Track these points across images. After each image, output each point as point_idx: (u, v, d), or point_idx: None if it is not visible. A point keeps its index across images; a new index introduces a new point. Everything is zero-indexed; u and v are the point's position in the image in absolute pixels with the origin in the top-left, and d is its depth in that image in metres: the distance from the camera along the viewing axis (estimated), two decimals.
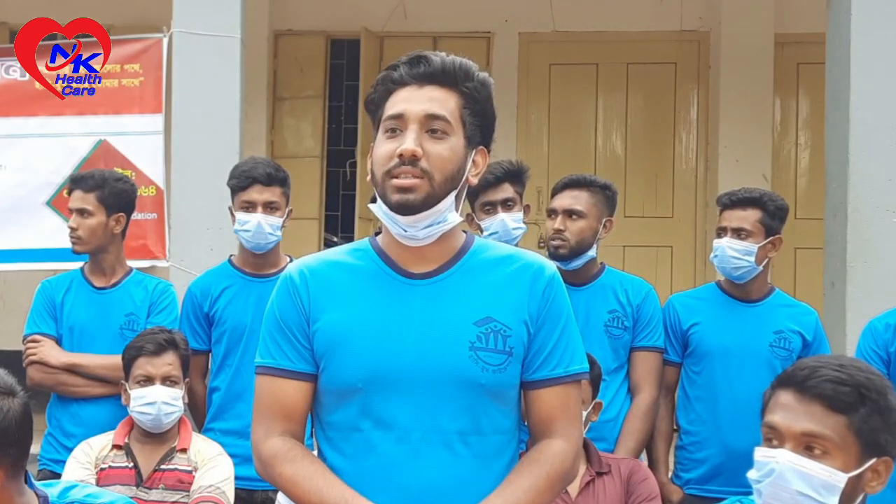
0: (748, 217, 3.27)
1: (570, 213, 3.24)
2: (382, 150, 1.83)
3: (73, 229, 3.44)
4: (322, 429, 1.91)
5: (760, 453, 1.72)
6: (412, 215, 1.80)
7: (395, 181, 1.79)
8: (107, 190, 3.47)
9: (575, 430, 1.93)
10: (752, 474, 1.74)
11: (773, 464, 1.68)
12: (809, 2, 5.49)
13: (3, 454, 1.73)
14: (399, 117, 1.82)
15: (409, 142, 1.79)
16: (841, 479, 1.67)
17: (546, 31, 6.60)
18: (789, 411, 1.70)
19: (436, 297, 1.85)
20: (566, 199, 3.27)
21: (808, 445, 1.68)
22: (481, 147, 1.90)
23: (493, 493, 1.81)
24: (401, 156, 1.78)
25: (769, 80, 6.27)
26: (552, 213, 3.29)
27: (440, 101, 1.83)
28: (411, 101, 1.82)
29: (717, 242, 3.30)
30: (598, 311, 3.26)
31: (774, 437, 1.71)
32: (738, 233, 3.26)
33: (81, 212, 3.44)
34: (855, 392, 1.68)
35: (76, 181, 3.50)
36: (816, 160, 6.15)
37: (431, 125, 1.81)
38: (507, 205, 3.31)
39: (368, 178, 1.90)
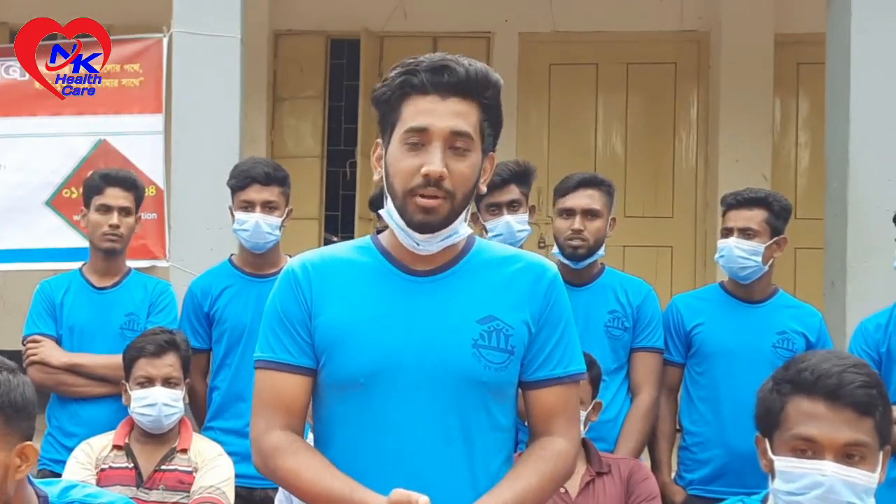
0: (754, 217, 3.26)
1: (587, 213, 3.22)
2: (405, 164, 1.79)
3: (114, 227, 3.42)
4: (321, 423, 1.91)
5: (794, 465, 1.69)
6: (429, 233, 1.80)
7: (420, 201, 1.77)
8: (140, 191, 3.54)
9: (574, 429, 1.95)
10: (780, 486, 1.71)
11: (819, 476, 1.66)
12: (809, 2, 5.49)
13: (27, 427, 1.78)
14: (423, 131, 1.78)
15: (436, 163, 1.76)
16: (875, 479, 1.69)
17: (546, 31, 6.60)
18: (824, 422, 1.67)
19: (439, 295, 1.85)
20: (583, 199, 3.23)
21: (848, 454, 1.67)
22: (491, 154, 1.89)
23: (502, 485, 1.82)
24: (426, 175, 1.76)
25: (769, 80, 6.27)
26: (568, 212, 3.24)
27: (464, 115, 1.79)
28: (435, 115, 1.77)
29: (722, 242, 3.29)
30: (598, 312, 3.25)
31: (811, 448, 1.69)
32: (745, 232, 3.25)
33: (124, 210, 3.44)
34: (877, 392, 1.69)
35: (114, 179, 3.47)
36: (816, 160, 6.14)
37: (455, 142, 1.78)
38: (512, 206, 3.31)
39: (376, 177, 1.87)
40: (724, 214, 3.35)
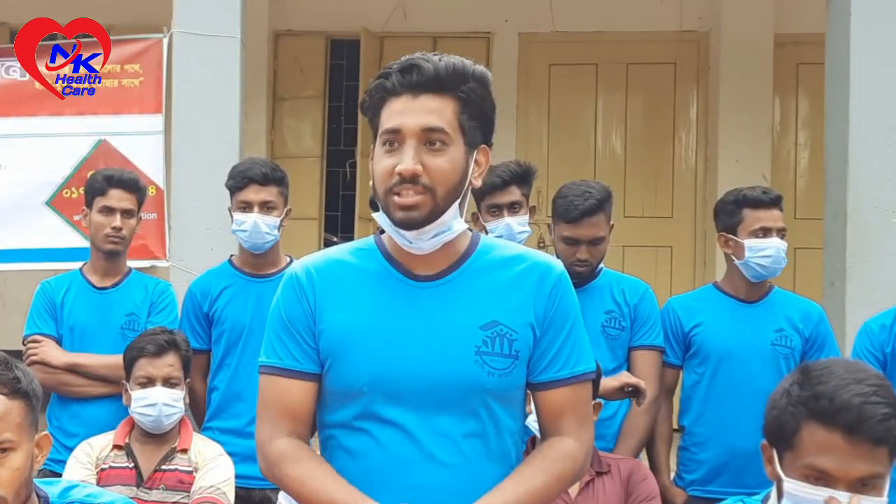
0: (782, 216, 3.27)
1: (593, 241, 3.17)
2: (382, 165, 1.80)
3: (117, 229, 3.42)
4: (325, 429, 1.91)
5: (807, 491, 1.67)
6: (415, 230, 1.79)
7: (398, 199, 1.77)
8: (142, 192, 3.54)
9: (585, 430, 1.92)
10: None
11: None
12: (809, 2, 5.49)
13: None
14: (396, 132, 1.78)
15: (407, 161, 1.76)
16: (885, 502, 1.67)
17: (546, 31, 6.59)
18: (841, 455, 1.64)
19: (442, 300, 1.84)
20: (588, 230, 3.15)
21: (862, 484, 1.65)
22: (482, 146, 1.87)
23: (506, 484, 1.80)
24: (400, 174, 1.76)
25: (769, 81, 6.26)
26: (572, 241, 3.17)
27: (437, 111, 1.78)
28: (407, 113, 1.77)
29: (766, 242, 3.22)
30: (594, 312, 3.23)
31: (824, 478, 1.66)
32: (781, 232, 3.25)
33: (127, 212, 3.44)
34: (895, 422, 1.65)
35: (118, 181, 3.46)
36: (816, 160, 6.14)
37: (429, 138, 1.78)
38: (513, 208, 3.31)
39: (371, 182, 1.88)
40: (749, 212, 3.26)
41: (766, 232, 3.24)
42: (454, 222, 1.84)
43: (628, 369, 3.30)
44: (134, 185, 3.49)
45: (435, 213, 1.79)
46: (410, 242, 1.82)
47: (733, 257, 3.31)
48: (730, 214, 3.31)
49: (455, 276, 1.87)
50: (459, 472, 1.80)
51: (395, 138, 1.79)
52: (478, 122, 1.84)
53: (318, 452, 1.92)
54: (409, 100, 1.79)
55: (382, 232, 1.94)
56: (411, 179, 1.76)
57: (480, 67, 1.84)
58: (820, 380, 1.69)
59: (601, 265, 3.33)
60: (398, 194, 1.77)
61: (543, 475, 1.83)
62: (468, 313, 1.84)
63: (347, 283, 1.88)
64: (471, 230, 1.94)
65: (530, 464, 1.86)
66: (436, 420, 1.81)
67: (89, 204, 3.48)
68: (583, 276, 3.19)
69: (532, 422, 2.05)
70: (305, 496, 1.81)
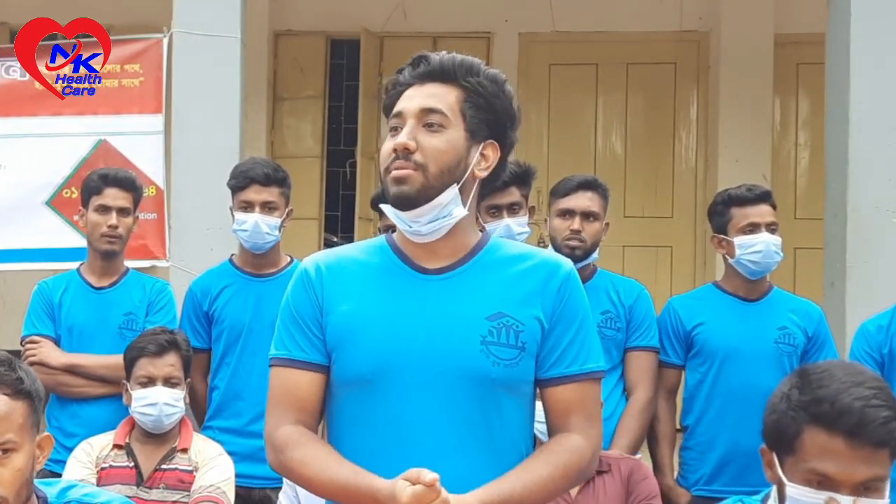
0: (770, 211, 3.28)
1: (587, 215, 3.23)
2: (384, 148, 1.87)
3: (113, 227, 3.42)
4: (332, 421, 1.92)
5: (809, 495, 1.66)
6: (411, 209, 1.83)
7: (393, 173, 1.83)
8: (138, 191, 3.55)
9: (594, 428, 1.92)
10: None
11: None
12: (809, 2, 5.49)
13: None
14: (399, 115, 1.87)
15: (401, 136, 1.83)
16: (887, 503, 1.67)
17: (546, 31, 6.60)
18: (842, 459, 1.63)
19: (448, 292, 1.86)
20: (583, 201, 3.24)
21: (864, 487, 1.65)
22: (491, 141, 1.91)
23: (511, 474, 1.80)
24: (395, 149, 1.83)
25: (769, 81, 6.27)
26: (567, 213, 3.25)
27: (438, 95, 1.86)
28: (411, 98, 1.87)
29: (753, 238, 3.24)
30: None
31: (826, 482, 1.65)
32: (771, 227, 3.26)
33: (123, 210, 3.45)
34: None
35: (113, 180, 3.47)
36: (816, 160, 6.14)
37: (427, 119, 1.85)
38: (512, 209, 3.32)
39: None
40: (737, 210, 3.29)
41: (754, 228, 3.26)
42: (454, 208, 1.86)
43: (624, 370, 3.32)
44: (130, 184, 3.49)
45: (426, 192, 1.82)
46: (410, 227, 1.86)
47: (727, 257, 3.33)
48: (720, 215, 3.35)
49: (463, 269, 1.89)
50: (462, 465, 1.80)
51: (398, 122, 1.87)
52: (484, 115, 1.89)
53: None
54: (416, 88, 1.89)
55: (394, 230, 1.96)
56: (404, 155, 1.82)
57: (496, 71, 1.92)
58: (820, 383, 1.68)
59: (602, 261, 3.35)
60: (394, 170, 1.83)
61: (549, 467, 1.82)
62: (474, 305, 1.85)
63: (355, 276, 1.91)
64: (481, 231, 1.97)
65: (536, 457, 1.86)
66: (440, 411, 1.81)
67: (85, 203, 3.48)
68: (576, 255, 3.17)
69: (539, 425, 2.04)
70: (308, 477, 1.83)
